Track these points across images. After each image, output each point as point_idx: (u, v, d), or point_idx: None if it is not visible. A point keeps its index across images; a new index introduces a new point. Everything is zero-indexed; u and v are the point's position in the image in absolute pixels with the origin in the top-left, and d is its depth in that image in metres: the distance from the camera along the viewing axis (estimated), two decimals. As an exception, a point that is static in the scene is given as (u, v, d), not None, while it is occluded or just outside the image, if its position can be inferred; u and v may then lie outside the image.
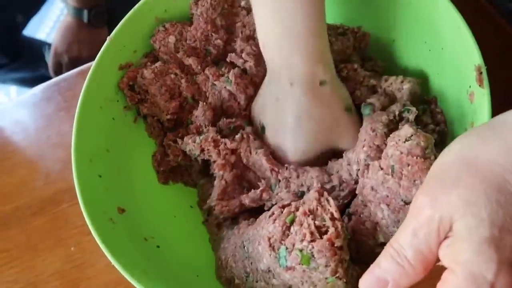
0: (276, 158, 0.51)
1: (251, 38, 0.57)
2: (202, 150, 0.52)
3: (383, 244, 0.42)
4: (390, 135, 0.44)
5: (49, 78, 0.79)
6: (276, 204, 0.48)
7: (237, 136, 0.52)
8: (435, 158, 0.40)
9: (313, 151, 0.50)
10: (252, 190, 0.50)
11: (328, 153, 0.51)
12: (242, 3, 0.58)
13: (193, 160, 0.56)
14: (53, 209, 0.66)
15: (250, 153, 0.51)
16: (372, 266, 0.36)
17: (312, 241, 0.40)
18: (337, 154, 0.50)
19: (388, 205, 0.42)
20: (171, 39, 0.58)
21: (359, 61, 0.57)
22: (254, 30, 0.56)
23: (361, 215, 0.45)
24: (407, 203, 0.41)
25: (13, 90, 1.67)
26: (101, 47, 0.55)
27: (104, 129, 0.55)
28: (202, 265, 0.52)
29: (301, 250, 0.40)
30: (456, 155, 0.35)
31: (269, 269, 0.43)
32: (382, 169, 0.43)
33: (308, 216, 0.41)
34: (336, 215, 0.41)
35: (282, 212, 0.43)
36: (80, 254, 0.63)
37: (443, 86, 0.52)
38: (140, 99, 0.57)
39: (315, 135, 0.49)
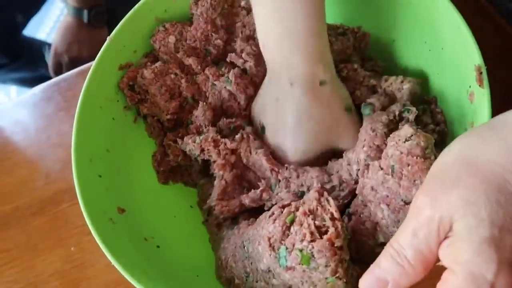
0: (276, 158, 0.51)
1: (251, 38, 0.57)
2: (202, 150, 0.52)
3: (383, 244, 0.42)
4: (390, 135, 0.44)
5: (49, 78, 0.79)
6: (276, 204, 0.48)
7: (237, 136, 0.52)
8: (435, 158, 0.40)
9: (313, 151, 0.50)
10: (252, 190, 0.50)
11: (328, 153, 0.51)
12: (242, 3, 0.58)
13: (193, 160, 0.56)
14: (53, 209, 0.66)
15: (250, 153, 0.51)
16: (372, 266, 0.36)
17: (312, 241, 0.40)
18: (337, 154, 0.50)
19: (388, 205, 0.42)
20: (171, 39, 0.58)
21: (359, 61, 0.57)
22: (254, 30, 0.56)
23: (361, 215, 0.45)
24: (407, 203, 0.41)
25: (13, 90, 1.67)
26: (101, 47, 0.55)
27: (104, 129, 0.55)
28: (202, 265, 0.52)
29: (301, 250, 0.40)
30: (456, 155, 0.35)
31: (269, 269, 0.43)
32: (382, 169, 0.43)
33: (308, 216, 0.41)
34: (336, 215, 0.41)
35: (282, 212, 0.43)
36: (80, 254, 0.63)
37: (443, 86, 0.52)
38: (140, 99, 0.57)
39: (315, 135, 0.49)
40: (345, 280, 0.40)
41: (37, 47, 1.26)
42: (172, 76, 0.56)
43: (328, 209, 0.41)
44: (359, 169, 0.46)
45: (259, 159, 0.50)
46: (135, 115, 0.58)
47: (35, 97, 0.74)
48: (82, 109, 0.53)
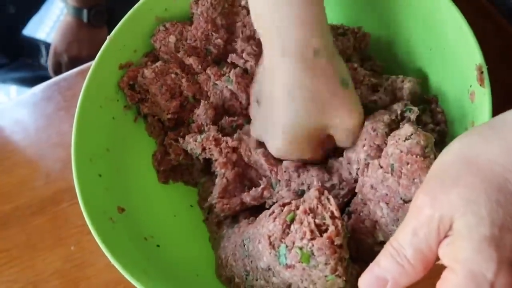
0: (269, 135, 0.49)
1: (252, 38, 0.57)
2: (204, 149, 0.52)
3: (382, 243, 0.42)
4: (391, 134, 0.44)
5: (49, 77, 0.79)
6: (277, 202, 0.48)
7: (235, 136, 0.52)
8: (435, 157, 0.40)
9: (304, 126, 0.46)
10: (253, 188, 0.50)
11: (320, 138, 0.48)
12: (243, 3, 0.58)
13: (195, 159, 0.56)
14: (53, 209, 0.66)
15: (251, 152, 0.51)
16: (371, 265, 0.36)
17: (312, 239, 0.40)
18: (331, 145, 0.49)
19: (387, 204, 0.42)
20: (172, 38, 0.58)
21: (358, 62, 0.57)
22: (255, 30, 0.56)
23: (361, 214, 0.45)
24: (406, 201, 0.41)
25: (13, 89, 1.67)
26: (100, 47, 0.55)
27: (104, 128, 0.55)
28: (202, 264, 0.52)
29: (301, 248, 0.40)
30: (456, 154, 0.35)
31: (269, 267, 0.43)
32: (381, 167, 0.43)
33: (308, 214, 0.41)
34: (336, 213, 0.41)
35: (282, 211, 0.43)
36: (80, 254, 0.63)
37: (444, 85, 0.52)
38: (140, 98, 0.57)
39: (306, 106, 0.45)
40: (344, 279, 0.40)
41: (37, 47, 1.26)
42: (173, 75, 0.57)
43: (329, 208, 0.41)
44: (359, 168, 0.46)
45: (258, 158, 0.50)
46: (135, 115, 0.58)
47: (35, 97, 0.74)
48: (82, 109, 0.53)
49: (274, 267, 0.42)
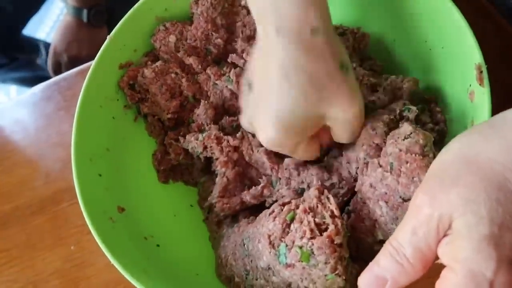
0: (261, 125, 0.45)
1: (252, 38, 0.57)
2: (205, 148, 0.52)
3: (382, 242, 0.42)
4: (390, 133, 0.44)
5: (49, 77, 0.79)
6: (276, 200, 0.48)
7: (238, 134, 0.52)
8: (434, 156, 0.40)
9: (300, 115, 0.42)
10: (253, 187, 0.50)
11: (316, 130, 0.45)
12: (243, 2, 0.58)
13: (195, 158, 0.56)
14: (53, 209, 0.66)
15: (252, 151, 0.51)
16: (371, 264, 0.36)
17: (312, 238, 0.40)
18: (326, 141, 0.48)
19: (386, 202, 0.42)
20: (172, 38, 0.58)
21: (358, 62, 0.57)
22: (255, 30, 0.56)
23: (360, 213, 0.45)
24: (406, 200, 0.41)
25: (13, 89, 1.67)
26: (100, 47, 0.55)
27: (104, 128, 0.55)
28: (202, 264, 0.52)
29: (300, 247, 0.40)
30: (455, 153, 0.35)
31: (269, 267, 0.43)
32: (381, 166, 0.43)
33: (308, 213, 0.41)
34: (336, 212, 0.41)
35: (282, 210, 0.43)
36: (80, 253, 0.63)
37: (444, 85, 0.52)
38: (140, 98, 0.57)
39: (304, 90, 0.41)
40: (344, 278, 0.40)
41: (37, 47, 1.26)
42: (173, 75, 0.57)
43: (328, 207, 0.41)
44: (358, 167, 0.46)
45: (260, 157, 0.50)
46: (135, 114, 0.58)
47: (35, 97, 0.74)
48: (82, 108, 0.53)
49: (274, 266, 0.42)
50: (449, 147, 0.36)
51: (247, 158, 0.51)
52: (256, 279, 0.45)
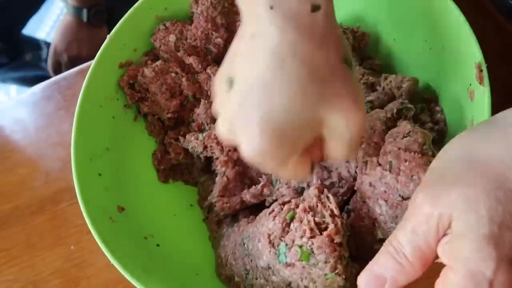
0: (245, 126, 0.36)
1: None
2: (205, 147, 0.52)
3: (381, 241, 0.42)
4: (389, 132, 0.44)
5: (49, 77, 0.79)
6: (276, 199, 0.48)
7: None
8: (433, 154, 0.40)
9: (296, 116, 0.34)
10: (253, 186, 0.50)
11: (310, 142, 0.37)
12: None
13: (195, 158, 0.56)
14: (53, 208, 0.66)
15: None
16: (370, 263, 0.36)
17: (311, 237, 0.40)
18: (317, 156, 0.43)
19: (386, 201, 0.42)
20: (172, 38, 0.58)
21: (357, 61, 0.57)
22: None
23: (360, 212, 0.45)
24: (405, 198, 0.41)
25: (13, 89, 1.67)
26: (100, 46, 0.55)
27: (104, 127, 0.55)
28: (202, 263, 0.52)
29: (300, 246, 0.40)
30: (455, 152, 0.35)
31: (269, 266, 0.43)
32: (380, 165, 0.43)
33: (308, 212, 0.41)
34: (336, 211, 0.41)
35: (282, 209, 0.43)
36: (79, 253, 0.63)
37: (443, 84, 0.52)
38: (140, 97, 0.57)
39: (300, 82, 0.33)
40: (344, 277, 0.40)
41: (37, 47, 1.26)
42: (173, 74, 0.57)
43: (328, 206, 0.41)
44: (357, 166, 0.46)
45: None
46: (135, 114, 0.58)
47: (34, 96, 0.74)
48: (82, 108, 0.53)
49: (274, 265, 0.42)
50: (449, 146, 0.36)
51: (247, 158, 0.51)
52: (256, 279, 0.45)
